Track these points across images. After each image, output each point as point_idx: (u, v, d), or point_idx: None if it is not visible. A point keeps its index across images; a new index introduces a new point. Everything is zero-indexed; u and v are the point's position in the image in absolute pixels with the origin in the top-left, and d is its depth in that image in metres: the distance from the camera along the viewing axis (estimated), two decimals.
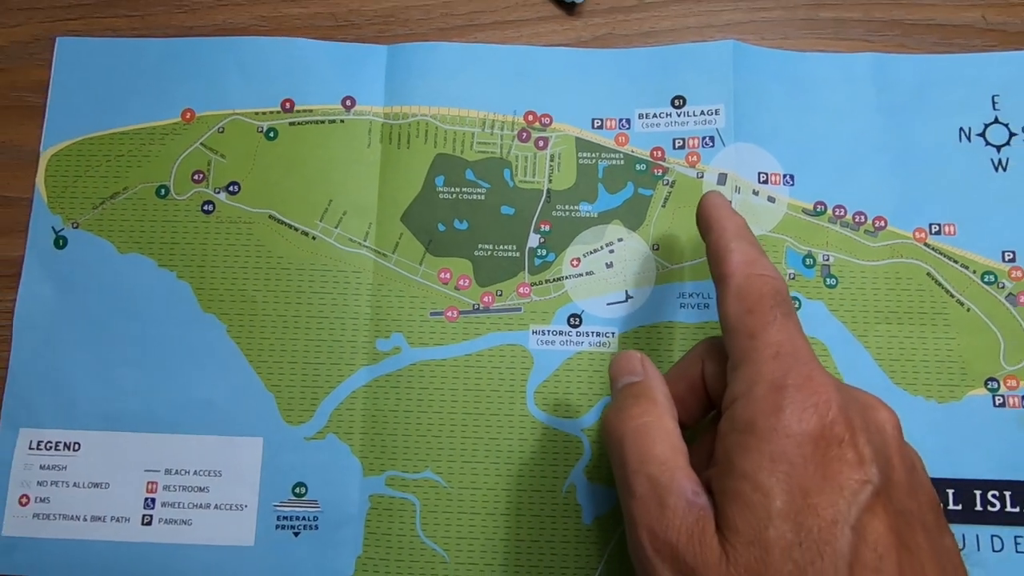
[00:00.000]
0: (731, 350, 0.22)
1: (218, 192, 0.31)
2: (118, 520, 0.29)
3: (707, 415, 0.25)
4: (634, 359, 0.24)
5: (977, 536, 0.28)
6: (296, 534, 0.29)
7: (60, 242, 0.31)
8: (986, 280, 0.30)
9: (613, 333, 0.30)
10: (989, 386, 0.29)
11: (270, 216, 0.31)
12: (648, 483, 0.21)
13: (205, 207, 0.31)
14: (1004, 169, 0.31)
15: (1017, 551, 0.28)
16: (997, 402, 0.29)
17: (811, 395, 0.20)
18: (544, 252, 0.31)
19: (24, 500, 0.29)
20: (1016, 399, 0.29)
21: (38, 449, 0.30)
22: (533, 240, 0.31)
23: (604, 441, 0.23)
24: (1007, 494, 0.28)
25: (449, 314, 0.30)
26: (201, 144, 0.32)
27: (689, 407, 0.24)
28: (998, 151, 0.31)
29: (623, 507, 0.22)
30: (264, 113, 0.32)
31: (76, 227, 0.31)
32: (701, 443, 0.23)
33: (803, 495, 0.19)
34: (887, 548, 0.18)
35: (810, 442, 0.19)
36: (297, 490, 0.29)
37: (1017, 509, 0.28)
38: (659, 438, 0.21)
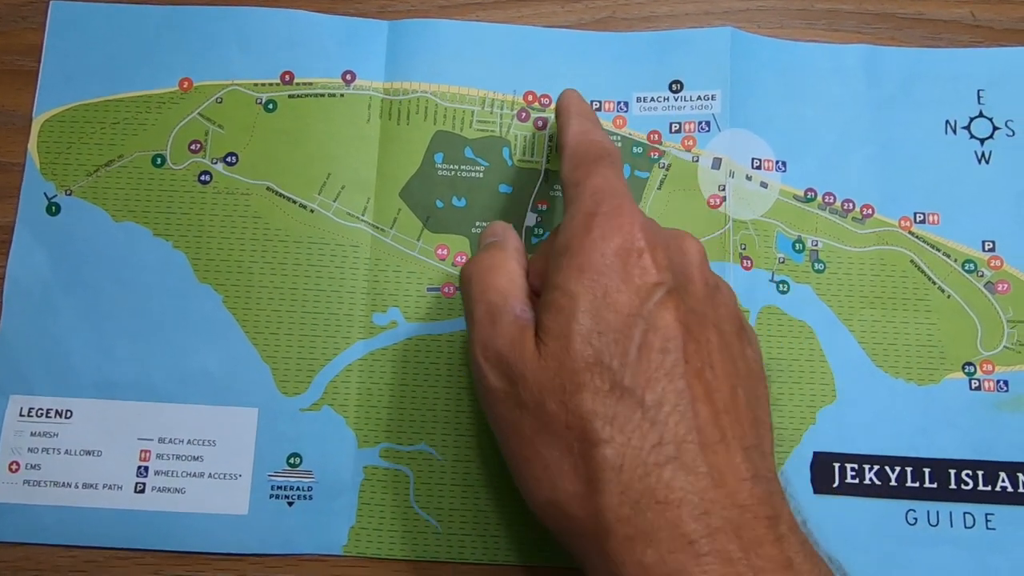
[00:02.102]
0: (565, 201, 0.25)
1: (215, 163, 0.31)
2: (111, 488, 0.29)
3: None
4: (497, 225, 0.27)
5: (951, 513, 0.29)
6: (290, 503, 0.29)
7: (53, 209, 0.31)
8: (966, 268, 0.31)
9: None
10: (966, 370, 0.30)
11: (268, 188, 0.31)
12: (485, 308, 0.23)
13: (202, 177, 0.31)
14: (987, 162, 0.32)
15: (987, 527, 0.29)
16: (973, 386, 0.30)
17: (617, 218, 0.23)
18: (540, 231, 0.31)
19: (14, 467, 0.29)
20: (991, 383, 0.30)
21: (29, 416, 0.29)
22: (530, 219, 0.31)
23: (460, 287, 0.25)
24: (980, 473, 0.30)
25: (446, 290, 0.31)
26: (199, 114, 0.32)
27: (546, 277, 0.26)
28: (981, 144, 0.32)
29: (468, 334, 0.24)
30: (263, 85, 0.32)
31: (69, 194, 0.31)
32: None
33: (604, 295, 0.21)
34: (674, 335, 0.21)
35: (612, 254, 0.22)
36: (291, 460, 0.29)
37: (989, 488, 0.29)
38: (501, 274, 0.24)
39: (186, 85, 0.32)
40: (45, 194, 0.31)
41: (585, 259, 0.22)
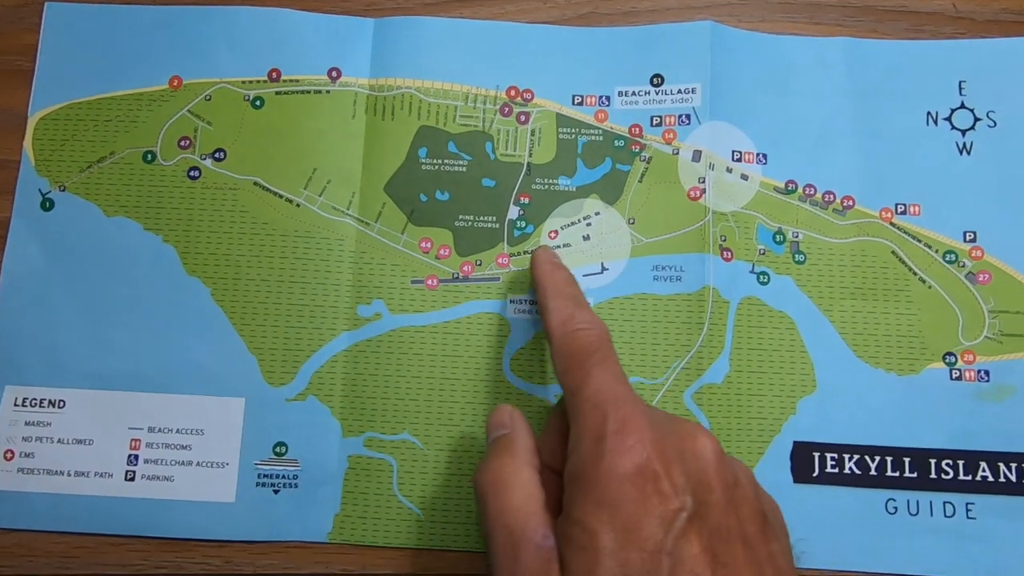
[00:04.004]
0: (567, 408, 0.24)
1: (204, 159, 0.32)
2: (101, 476, 0.30)
3: None
4: (504, 413, 0.26)
5: (931, 502, 0.29)
6: (276, 492, 0.30)
7: (47, 204, 0.32)
8: (947, 259, 0.31)
9: (589, 304, 0.31)
10: (947, 360, 0.30)
11: (255, 183, 0.32)
12: (504, 532, 0.22)
13: (191, 173, 0.32)
14: (968, 153, 0.32)
15: (968, 516, 0.29)
16: (954, 375, 0.30)
17: (626, 438, 0.22)
18: (523, 224, 0.32)
19: (9, 455, 0.30)
20: (972, 373, 0.30)
21: (23, 406, 0.30)
22: (513, 212, 0.32)
23: (476, 496, 0.24)
24: (960, 463, 0.30)
25: (429, 282, 0.31)
26: (188, 111, 0.32)
27: (563, 458, 0.25)
28: (963, 135, 0.32)
29: (489, 557, 0.23)
30: (251, 82, 0.33)
31: (63, 190, 0.32)
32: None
33: (625, 532, 0.21)
34: (702, 567, 0.21)
35: (628, 482, 0.21)
36: (278, 449, 0.30)
37: (969, 477, 0.30)
38: (516, 489, 0.23)
39: (176, 83, 0.33)
40: (39, 190, 0.32)
41: (601, 492, 0.21)
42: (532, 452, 0.25)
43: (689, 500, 0.21)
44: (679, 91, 0.32)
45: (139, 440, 0.30)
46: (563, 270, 0.28)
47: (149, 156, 0.32)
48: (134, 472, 0.30)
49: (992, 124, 0.32)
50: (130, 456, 0.30)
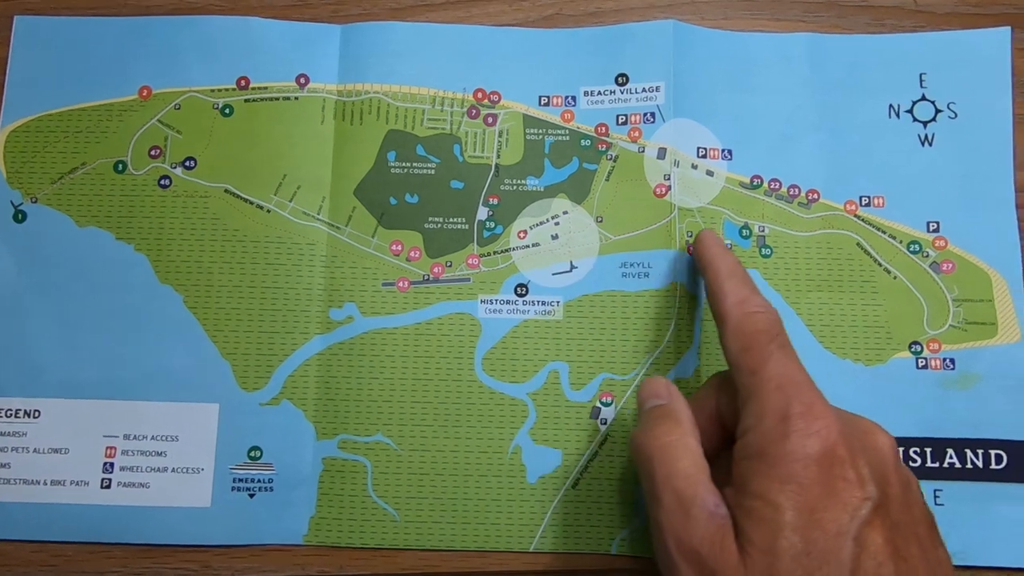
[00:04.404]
0: (738, 384, 0.25)
1: (175, 167, 0.32)
2: (78, 484, 0.30)
3: (726, 441, 0.26)
4: (660, 384, 0.26)
5: None
6: (251, 495, 0.30)
7: (19, 216, 0.32)
8: (912, 249, 0.32)
9: (558, 302, 0.31)
10: (913, 349, 0.31)
11: (226, 190, 0.32)
12: (674, 495, 0.23)
13: (162, 182, 0.32)
14: (930, 144, 0.32)
15: (936, 503, 0.30)
16: (920, 364, 0.31)
17: (813, 422, 0.22)
18: (492, 224, 0.32)
19: None
20: (937, 361, 0.31)
21: None
22: (482, 213, 0.32)
23: (633, 458, 0.25)
24: (927, 450, 0.30)
25: (400, 284, 0.32)
26: (158, 121, 0.33)
27: (710, 436, 0.26)
28: (925, 127, 0.32)
29: (651, 516, 0.24)
30: (220, 90, 0.33)
31: (35, 202, 0.32)
32: (719, 463, 0.25)
33: (810, 511, 0.21)
34: (885, 557, 0.21)
35: (814, 464, 0.22)
36: (252, 453, 0.30)
37: (936, 464, 0.30)
38: (683, 455, 0.24)
39: (145, 93, 0.33)
40: (11, 202, 0.32)
41: (786, 469, 0.22)
42: (694, 424, 0.25)
43: (874, 490, 0.22)
44: (643, 90, 0.33)
45: (115, 448, 0.30)
46: (732, 253, 0.28)
47: (120, 166, 0.32)
48: (110, 480, 0.30)
49: (953, 115, 0.32)
50: (106, 464, 0.30)
